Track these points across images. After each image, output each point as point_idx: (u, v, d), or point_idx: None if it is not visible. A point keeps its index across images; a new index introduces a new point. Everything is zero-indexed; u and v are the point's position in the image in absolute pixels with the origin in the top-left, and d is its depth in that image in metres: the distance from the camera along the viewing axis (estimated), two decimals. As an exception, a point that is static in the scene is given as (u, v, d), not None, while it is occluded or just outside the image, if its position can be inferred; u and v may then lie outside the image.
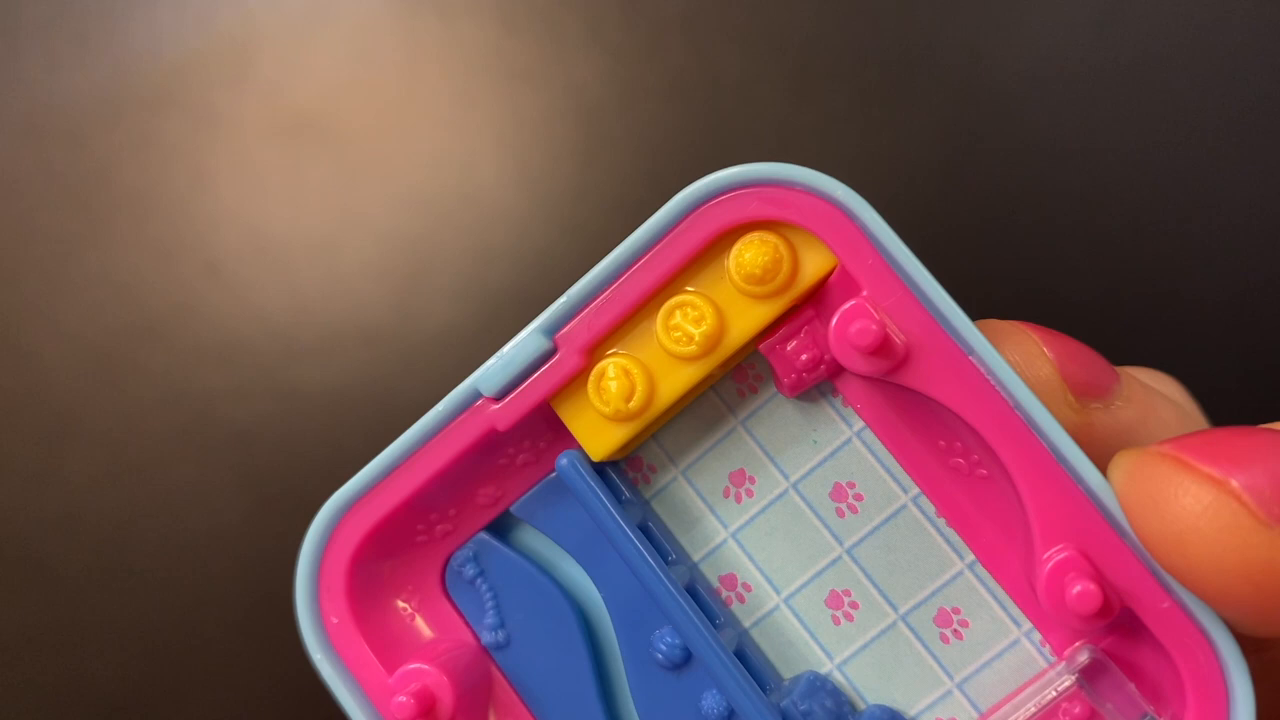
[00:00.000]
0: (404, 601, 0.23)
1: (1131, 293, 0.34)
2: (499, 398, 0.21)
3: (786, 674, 0.22)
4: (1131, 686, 0.19)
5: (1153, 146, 0.35)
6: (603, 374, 0.21)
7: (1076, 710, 0.19)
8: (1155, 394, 0.20)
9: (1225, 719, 0.18)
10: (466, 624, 0.23)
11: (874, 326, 0.19)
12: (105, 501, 0.37)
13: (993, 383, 0.19)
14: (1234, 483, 0.16)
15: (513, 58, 0.37)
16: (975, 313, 0.20)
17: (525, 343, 0.21)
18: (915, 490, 0.21)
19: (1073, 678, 0.19)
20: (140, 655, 0.36)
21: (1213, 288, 0.35)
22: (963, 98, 0.36)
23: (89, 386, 0.37)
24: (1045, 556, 0.19)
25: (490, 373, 0.21)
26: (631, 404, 0.21)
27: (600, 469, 0.22)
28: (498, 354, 0.21)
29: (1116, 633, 0.20)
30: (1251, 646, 0.18)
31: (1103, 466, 0.19)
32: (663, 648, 0.22)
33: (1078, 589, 0.18)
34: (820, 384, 0.22)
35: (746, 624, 0.22)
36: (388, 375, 0.36)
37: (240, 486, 0.36)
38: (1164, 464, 0.17)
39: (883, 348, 0.19)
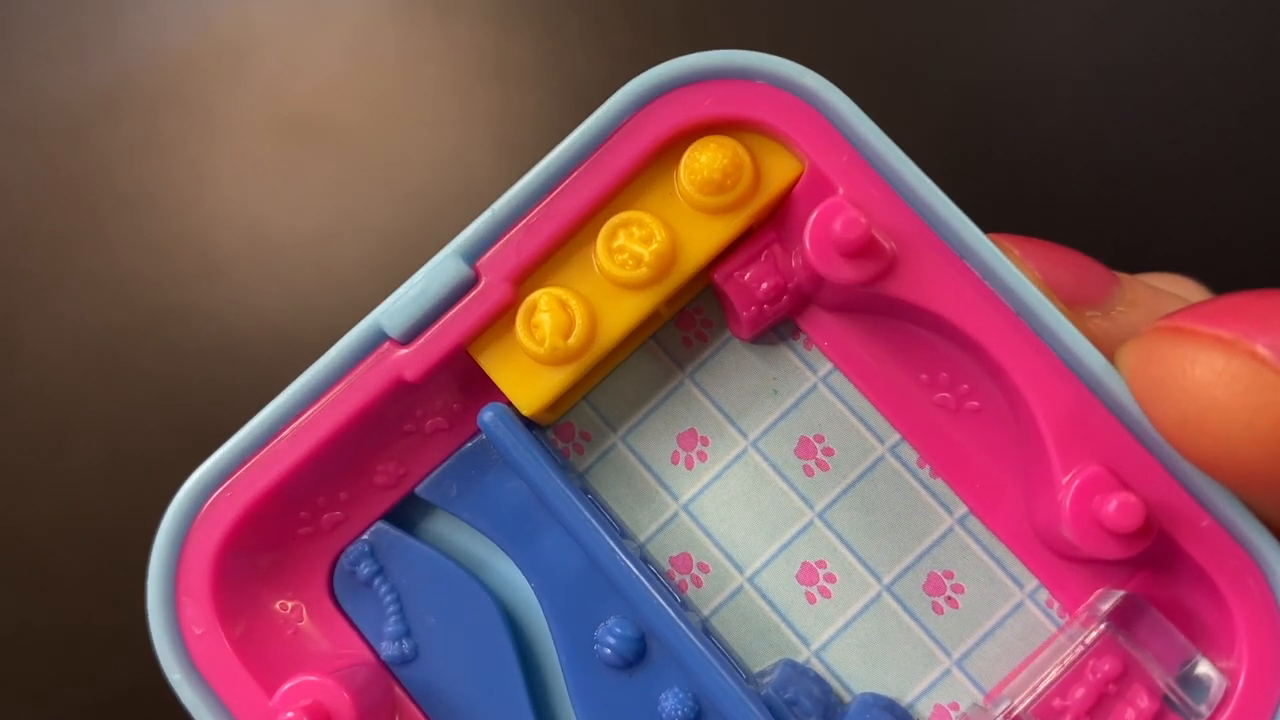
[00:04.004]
0: (287, 610, 0.18)
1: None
2: (407, 340, 0.17)
3: (755, 667, 0.18)
4: (1173, 628, 0.16)
5: (1152, 146, 0.35)
6: (534, 308, 0.17)
7: (1107, 666, 0.16)
8: (1165, 295, 0.18)
9: None
10: (361, 637, 0.18)
11: (861, 219, 0.16)
12: (104, 500, 0.36)
13: (992, 286, 0.17)
14: (1248, 341, 0.14)
15: (511, 57, 0.37)
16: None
17: (439, 269, 0.17)
18: (894, 438, 0.19)
19: (1101, 625, 0.16)
20: (139, 654, 0.34)
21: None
22: (964, 99, 0.36)
23: (87, 384, 0.36)
24: (1066, 480, 0.16)
25: (397, 308, 0.17)
26: (571, 341, 0.17)
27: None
28: (406, 284, 0.17)
29: (1143, 573, 0.17)
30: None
31: None
32: (611, 641, 0.18)
33: (1114, 503, 0.15)
34: (780, 325, 0.19)
35: (706, 611, 0.19)
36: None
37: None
38: (1166, 339, 0.15)
39: (869, 248, 0.16)
